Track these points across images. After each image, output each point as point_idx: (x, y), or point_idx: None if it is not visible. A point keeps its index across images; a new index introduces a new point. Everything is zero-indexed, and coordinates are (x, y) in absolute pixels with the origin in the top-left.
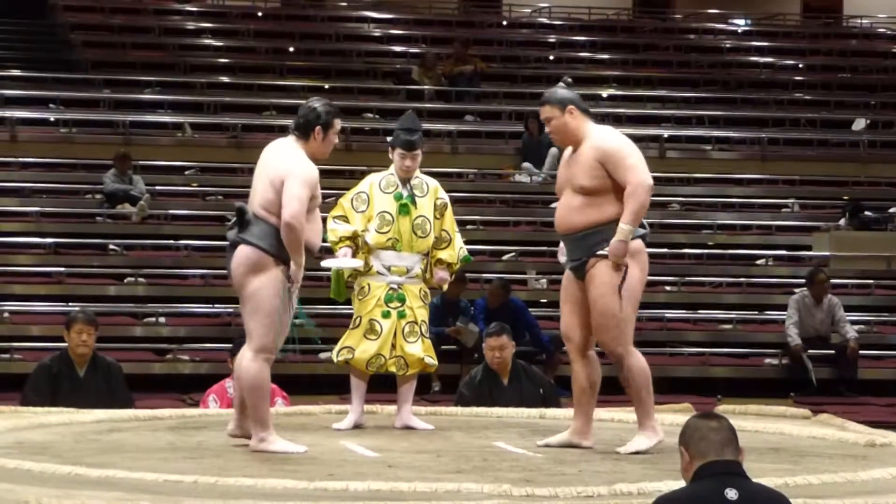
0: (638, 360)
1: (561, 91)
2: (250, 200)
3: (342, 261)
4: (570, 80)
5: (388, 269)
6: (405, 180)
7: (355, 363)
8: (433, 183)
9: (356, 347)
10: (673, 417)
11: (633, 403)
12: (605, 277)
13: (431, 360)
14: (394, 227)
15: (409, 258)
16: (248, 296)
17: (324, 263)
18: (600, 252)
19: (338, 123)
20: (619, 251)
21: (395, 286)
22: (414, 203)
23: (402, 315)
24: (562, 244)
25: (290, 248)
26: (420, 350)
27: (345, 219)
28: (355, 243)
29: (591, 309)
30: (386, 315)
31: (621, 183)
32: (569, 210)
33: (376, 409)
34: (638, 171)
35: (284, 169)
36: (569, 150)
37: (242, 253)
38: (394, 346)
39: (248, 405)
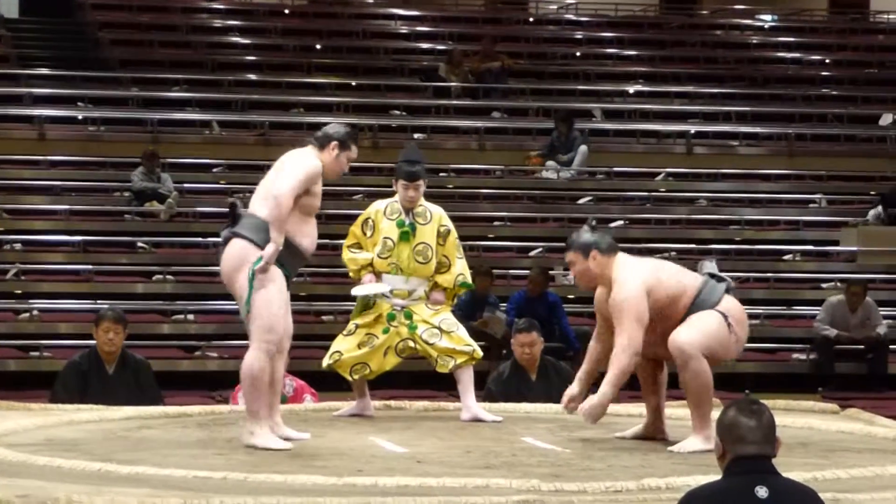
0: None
1: (584, 236)
2: (252, 200)
3: (370, 287)
4: (594, 222)
5: (391, 291)
6: (408, 209)
7: (340, 366)
8: (438, 211)
9: (344, 352)
10: None
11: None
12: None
13: (469, 348)
14: (394, 252)
15: (412, 282)
16: (239, 291)
17: (354, 292)
18: None
19: (354, 149)
20: (594, 415)
21: (399, 308)
22: (414, 230)
23: (413, 328)
24: None
25: (272, 224)
26: (450, 343)
27: (359, 246)
28: (374, 267)
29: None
30: (386, 331)
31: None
32: None
33: (405, 405)
34: (626, 334)
35: (290, 161)
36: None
37: (232, 247)
38: (395, 352)
39: (245, 397)
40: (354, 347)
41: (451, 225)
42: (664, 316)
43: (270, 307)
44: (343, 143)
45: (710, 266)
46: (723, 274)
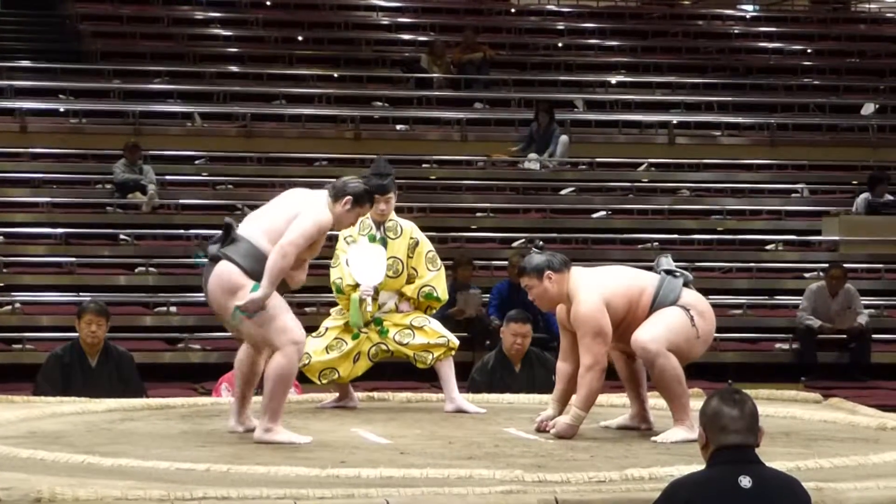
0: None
1: (536, 258)
2: (251, 224)
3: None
4: (541, 243)
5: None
6: (379, 223)
7: (308, 370)
8: (408, 225)
9: (313, 355)
10: None
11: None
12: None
13: (443, 340)
14: None
15: (382, 296)
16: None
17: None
18: None
19: (368, 207)
20: (565, 434)
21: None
22: (385, 245)
23: (384, 332)
24: None
25: (269, 272)
26: (423, 338)
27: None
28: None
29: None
30: (356, 337)
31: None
32: None
33: (388, 396)
34: (591, 353)
35: (306, 206)
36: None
37: (222, 270)
38: (367, 357)
39: (268, 394)
40: (322, 351)
41: (420, 237)
42: (628, 320)
43: (283, 311)
44: (357, 200)
45: (666, 262)
46: (678, 269)
